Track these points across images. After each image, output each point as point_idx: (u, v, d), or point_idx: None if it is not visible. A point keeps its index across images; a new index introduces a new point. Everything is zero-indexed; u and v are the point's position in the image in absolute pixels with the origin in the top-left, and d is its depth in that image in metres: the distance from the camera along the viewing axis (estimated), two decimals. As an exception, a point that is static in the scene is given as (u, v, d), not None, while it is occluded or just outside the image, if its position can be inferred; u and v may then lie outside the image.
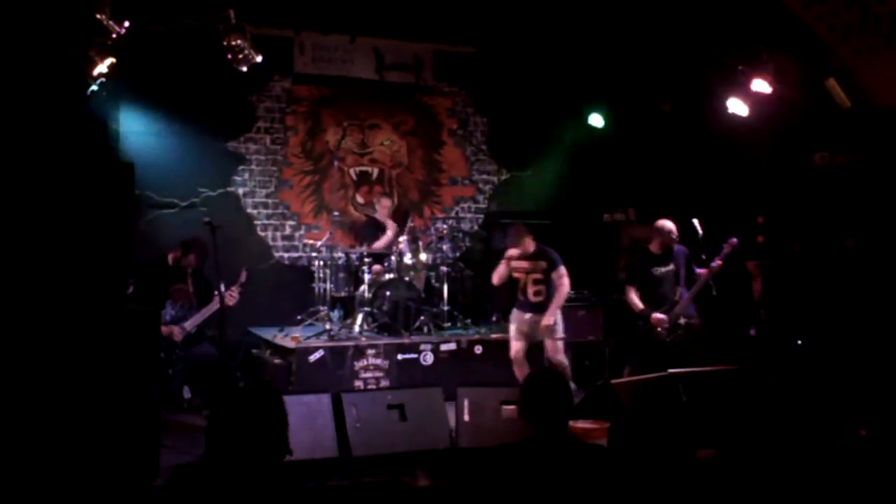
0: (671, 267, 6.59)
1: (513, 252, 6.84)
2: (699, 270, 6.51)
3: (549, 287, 6.81)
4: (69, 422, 4.38)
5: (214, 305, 6.42)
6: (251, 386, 2.87)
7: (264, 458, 2.68)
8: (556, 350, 6.80)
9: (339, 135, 8.78)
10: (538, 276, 6.83)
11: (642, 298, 6.55)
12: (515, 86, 9.55)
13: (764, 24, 7.14)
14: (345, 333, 7.52)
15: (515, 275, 6.89)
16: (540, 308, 6.79)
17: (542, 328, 6.74)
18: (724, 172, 8.28)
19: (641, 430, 4.93)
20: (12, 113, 5.89)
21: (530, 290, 6.83)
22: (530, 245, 6.87)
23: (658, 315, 6.44)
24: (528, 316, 6.84)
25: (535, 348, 6.92)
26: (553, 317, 6.76)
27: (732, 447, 4.70)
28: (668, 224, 6.63)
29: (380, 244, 8.29)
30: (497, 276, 6.96)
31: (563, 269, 6.84)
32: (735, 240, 6.44)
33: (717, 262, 6.37)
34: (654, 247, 6.68)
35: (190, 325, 6.56)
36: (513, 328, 6.95)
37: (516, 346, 6.89)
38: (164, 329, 6.21)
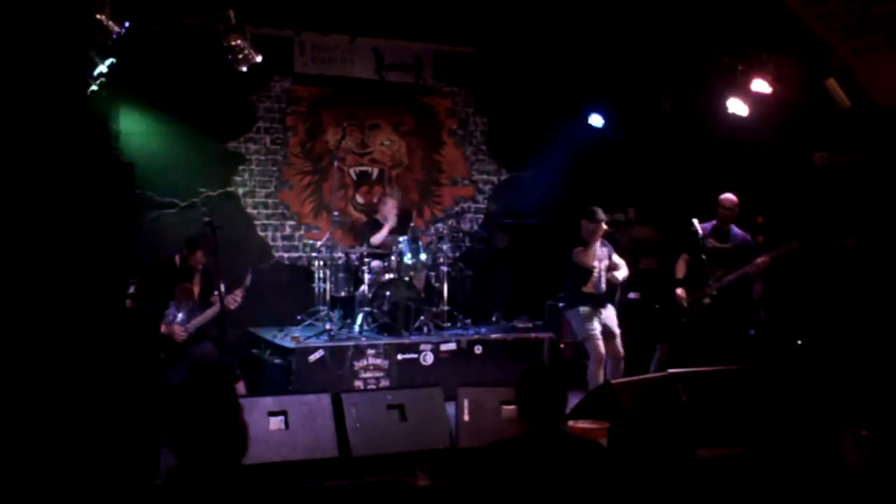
0: (727, 245, 6.77)
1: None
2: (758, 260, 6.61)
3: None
4: (69, 422, 4.39)
5: (216, 308, 6.39)
6: (194, 382, 2.54)
7: (221, 460, 2.40)
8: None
9: (339, 135, 8.77)
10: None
11: (688, 266, 6.84)
12: (515, 86, 9.54)
13: (764, 23, 7.15)
14: (345, 333, 7.52)
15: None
16: (608, 299, 7.02)
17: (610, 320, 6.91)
18: (724, 172, 8.28)
19: (641, 430, 4.93)
20: (12, 113, 5.89)
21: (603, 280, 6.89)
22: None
23: (679, 291, 6.77)
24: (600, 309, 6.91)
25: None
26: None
27: (730, 447, 4.70)
28: (728, 196, 6.85)
29: (376, 239, 8.25)
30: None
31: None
32: (797, 242, 6.58)
33: (765, 258, 6.52)
34: (716, 222, 6.91)
35: (192, 325, 6.55)
36: (594, 325, 6.83)
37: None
38: (164, 329, 6.19)
